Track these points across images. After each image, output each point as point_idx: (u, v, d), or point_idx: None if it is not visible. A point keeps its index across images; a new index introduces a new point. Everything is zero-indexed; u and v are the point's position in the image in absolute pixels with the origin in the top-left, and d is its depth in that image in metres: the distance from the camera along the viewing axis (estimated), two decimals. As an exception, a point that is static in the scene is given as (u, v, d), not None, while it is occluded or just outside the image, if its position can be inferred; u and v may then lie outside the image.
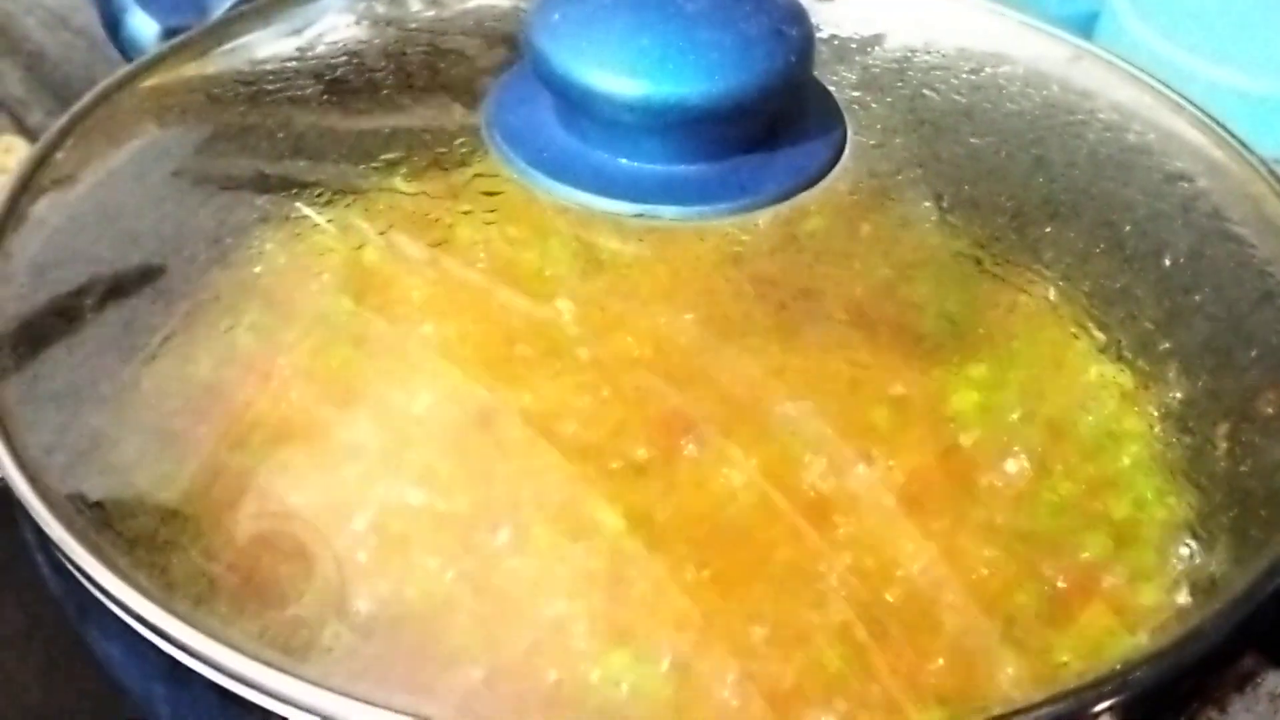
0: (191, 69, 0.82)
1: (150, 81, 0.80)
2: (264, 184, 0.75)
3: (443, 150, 0.74)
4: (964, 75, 0.83)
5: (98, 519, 0.61)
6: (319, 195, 0.73)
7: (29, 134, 1.00)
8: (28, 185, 0.72)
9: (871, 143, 0.76)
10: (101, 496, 0.63)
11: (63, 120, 0.74)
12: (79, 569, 0.54)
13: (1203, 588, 0.65)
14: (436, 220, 0.71)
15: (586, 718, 0.57)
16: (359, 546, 0.62)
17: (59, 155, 0.74)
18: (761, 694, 0.60)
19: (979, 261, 0.76)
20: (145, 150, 0.78)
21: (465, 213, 0.71)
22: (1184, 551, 0.67)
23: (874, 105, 0.78)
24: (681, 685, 0.59)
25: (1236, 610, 0.52)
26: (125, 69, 0.79)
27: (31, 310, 0.67)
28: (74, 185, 0.74)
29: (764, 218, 0.70)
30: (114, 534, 0.60)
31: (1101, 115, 0.82)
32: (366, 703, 0.51)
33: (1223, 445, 0.70)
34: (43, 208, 0.73)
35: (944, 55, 0.83)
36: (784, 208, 0.70)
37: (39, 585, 0.64)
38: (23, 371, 0.65)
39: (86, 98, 0.75)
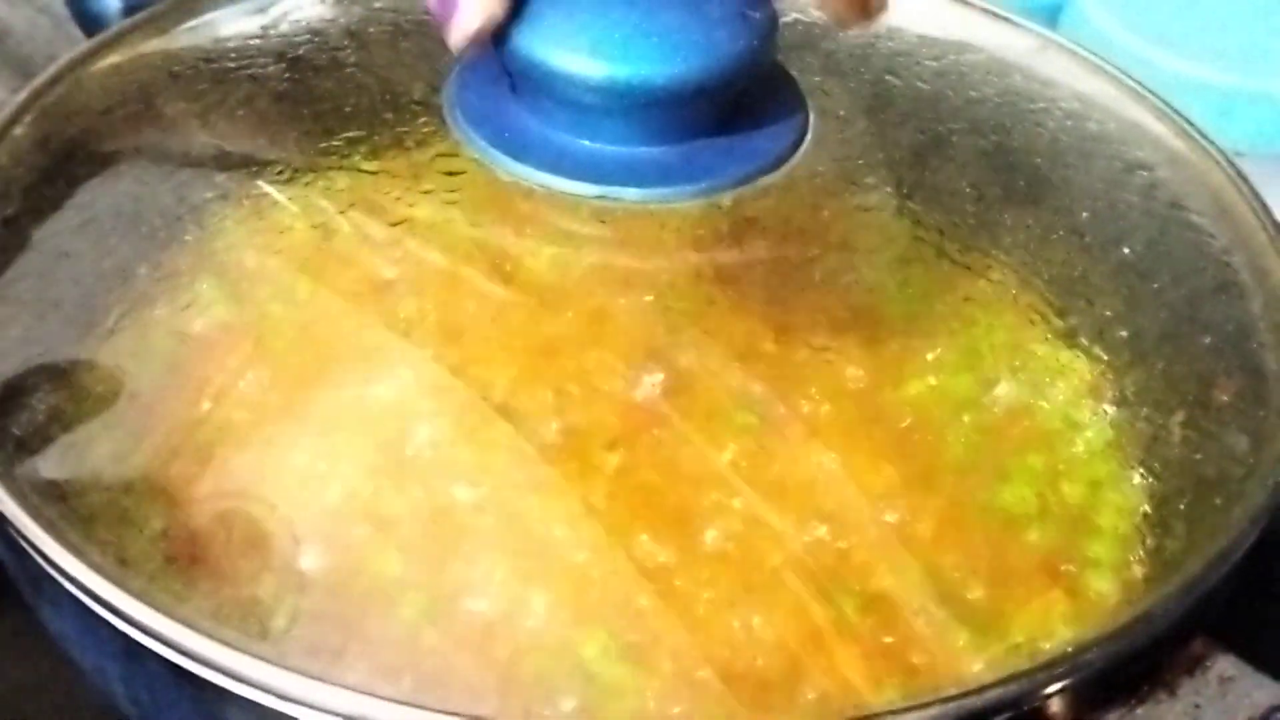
0: (153, 45, 0.81)
1: (111, 58, 0.79)
2: (224, 161, 0.75)
3: (404, 130, 0.74)
4: (927, 62, 0.83)
5: (51, 494, 0.61)
6: (279, 173, 0.73)
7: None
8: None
9: (834, 128, 0.76)
10: (56, 474, 0.63)
11: (22, 96, 0.73)
12: (31, 544, 0.54)
13: (1155, 572, 0.66)
14: (398, 199, 0.71)
15: (543, 694, 0.57)
16: (315, 524, 0.62)
17: (17, 131, 0.73)
18: (717, 674, 0.60)
19: (939, 248, 0.76)
20: (105, 127, 0.77)
21: (426, 192, 0.71)
22: (1137, 536, 0.68)
23: (837, 91, 0.79)
24: (640, 664, 0.60)
25: (1187, 595, 0.52)
26: (86, 45, 0.79)
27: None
28: (32, 161, 0.73)
29: (725, 201, 0.70)
30: (68, 510, 0.60)
31: (1063, 104, 0.82)
32: (320, 680, 0.51)
33: (1178, 432, 0.70)
34: (-1, 185, 0.72)
35: (907, 42, 0.83)
36: (746, 191, 0.70)
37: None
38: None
39: (46, 73, 0.74)
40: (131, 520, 0.61)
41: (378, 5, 0.84)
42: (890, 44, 0.83)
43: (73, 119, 0.76)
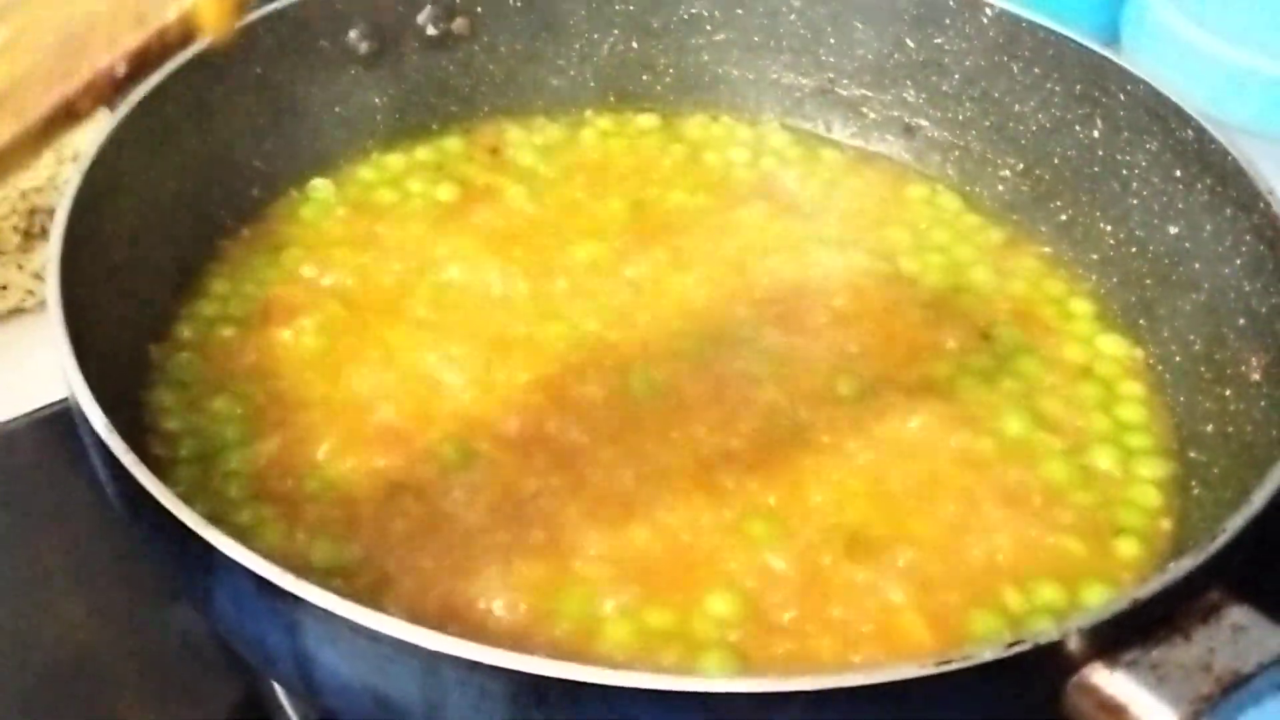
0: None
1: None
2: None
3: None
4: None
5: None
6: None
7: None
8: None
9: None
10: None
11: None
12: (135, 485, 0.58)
13: (1179, 532, 0.69)
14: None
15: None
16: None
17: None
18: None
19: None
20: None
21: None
22: (1166, 505, 0.71)
23: None
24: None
25: (1209, 547, 0.55)
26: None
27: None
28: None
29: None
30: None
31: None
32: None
33: (1210, 409, 0.73)
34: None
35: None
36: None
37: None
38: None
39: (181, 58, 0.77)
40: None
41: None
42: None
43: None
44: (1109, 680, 0.53)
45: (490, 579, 0.63)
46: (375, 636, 0.51)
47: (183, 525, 0.54)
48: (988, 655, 0.51)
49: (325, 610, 0.51)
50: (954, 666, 0.50)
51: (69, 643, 0.72)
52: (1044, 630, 0.52)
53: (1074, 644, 0.53)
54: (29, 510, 0.77)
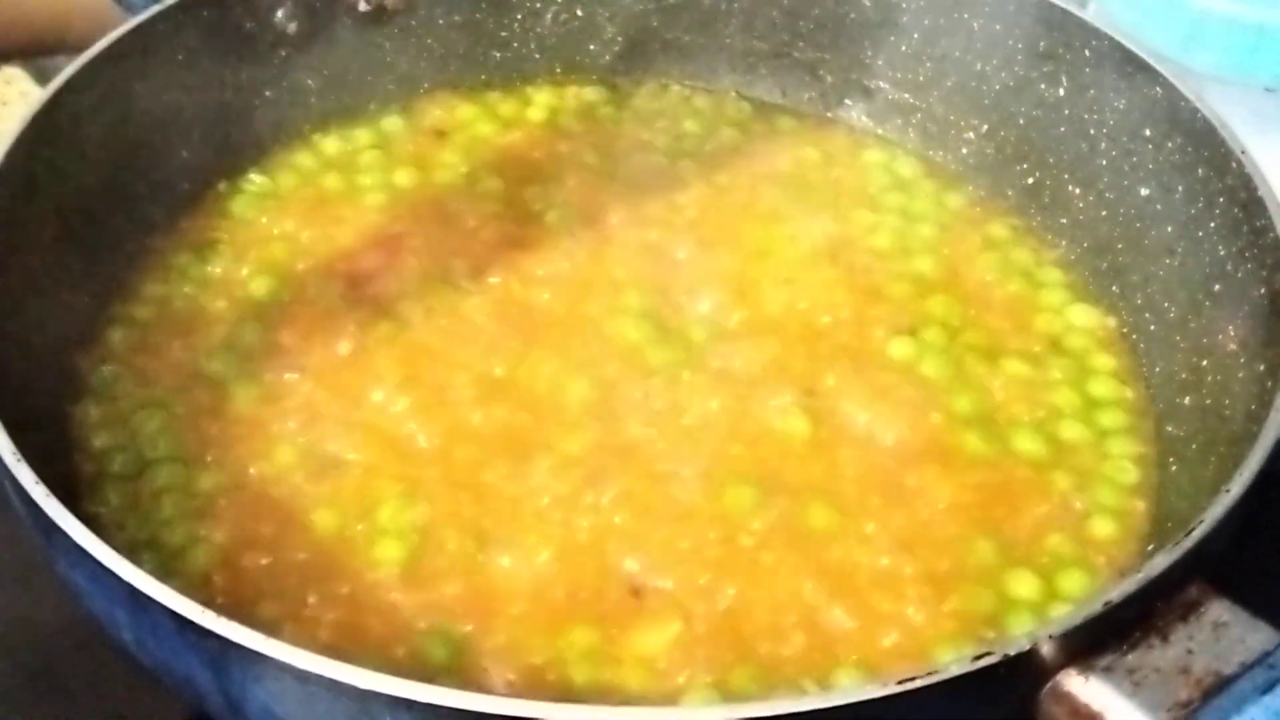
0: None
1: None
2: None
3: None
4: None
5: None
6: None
7: (35, 64, 0.99)
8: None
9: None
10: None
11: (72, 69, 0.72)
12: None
13: (1157, 517, 0.66)
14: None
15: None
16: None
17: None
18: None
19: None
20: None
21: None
22: (1143, 482, 0.68)
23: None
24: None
25: (1183, 541, 0.52)
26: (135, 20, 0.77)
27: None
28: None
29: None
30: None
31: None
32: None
33: (1186, 380, 0.70)
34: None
35: None
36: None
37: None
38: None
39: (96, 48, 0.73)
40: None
41: None
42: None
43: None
44: (1083, 688, 0.50)
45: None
46: (303, 676, 0.48)
47: (97, 561, 0.51)
48: (953, 670, 0.48)
49: (249, 649, 0.48)
50: (918, 684, 0.48)
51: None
52: (1013, 640, 0.49)
53: (1045, 651, 0.50)
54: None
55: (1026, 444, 0.69)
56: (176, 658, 0.52)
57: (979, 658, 0.49)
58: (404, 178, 0.81)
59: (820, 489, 0.66)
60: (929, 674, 0.48)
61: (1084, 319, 0.76)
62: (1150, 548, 0.64)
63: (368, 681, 0.47)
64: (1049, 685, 0.50)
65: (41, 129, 0.69)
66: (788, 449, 0.68)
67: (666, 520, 0.64)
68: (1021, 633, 0.52)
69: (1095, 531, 0.66)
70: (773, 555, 0.63)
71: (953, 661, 0.48)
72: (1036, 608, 0.62)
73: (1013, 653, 0.49)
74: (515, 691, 0.57)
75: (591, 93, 0.88)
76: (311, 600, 0.61)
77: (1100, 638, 0.51)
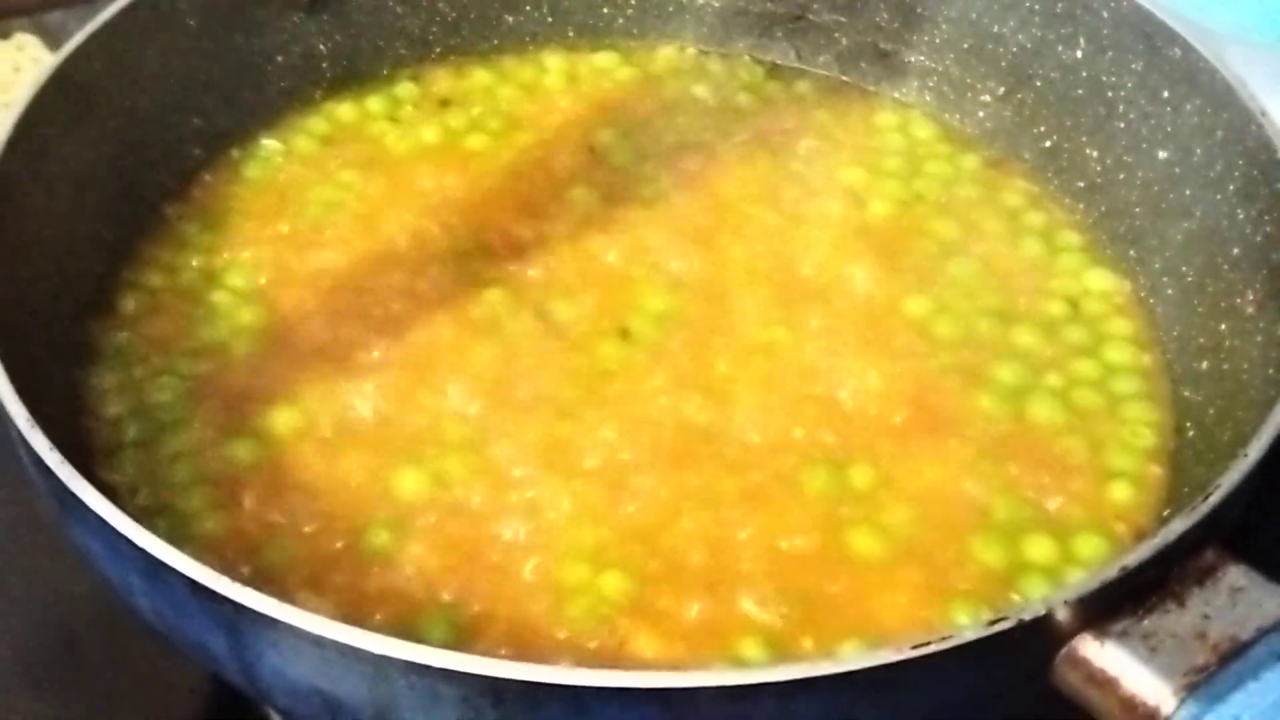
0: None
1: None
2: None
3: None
4: None
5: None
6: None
7: (46, 30, 0.99)
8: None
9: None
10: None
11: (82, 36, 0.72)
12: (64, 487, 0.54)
13: (1173, 481, 0.66)
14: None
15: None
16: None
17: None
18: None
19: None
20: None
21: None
22: (1160, 447, 0.67)
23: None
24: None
25: (1201, 506, 0.51)
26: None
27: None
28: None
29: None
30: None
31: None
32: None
33: (1204, 345, 0.70)
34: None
35: None
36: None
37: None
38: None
39: (106, 13, 0.73)
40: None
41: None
42: None
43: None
44: (1099, 652, 0.50)
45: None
46: (318, 641, 0.48)
47: (111, 527, 0.51)
48: (968, 635, 0.48)
49: (264, 614, 0.48)
50: (932, 649, 0.47)
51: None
52: (1028, 605, 0.49)
53: (1061, 616, 0.49)
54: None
55: (1042, 408, 0.68)
56: (191, 623, 0.52)
57: (993, 622, 0.48)
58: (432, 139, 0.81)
59: (834, 448, 0.66)
60: (943, 639, 0.48)
61: (1101, 283, 0.75)
62: (1167, 513, 0.63)
63: (381, 646, 0.47)
64: (1064, 650, 0.50)
65: (52, 96, 0.69)
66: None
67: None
68: (1037, 598, 0.51)
69: (1112, 496, 0.65)
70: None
71: (967, 626, 0.48)
72: (1052, 572, 0.62)
73: (1028, 618, 0.48)
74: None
75: (605, 57, 0.87)
76: (325, 566, 0.60)
77: (1116, 603, 0.50)
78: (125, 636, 0.66)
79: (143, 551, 0.50)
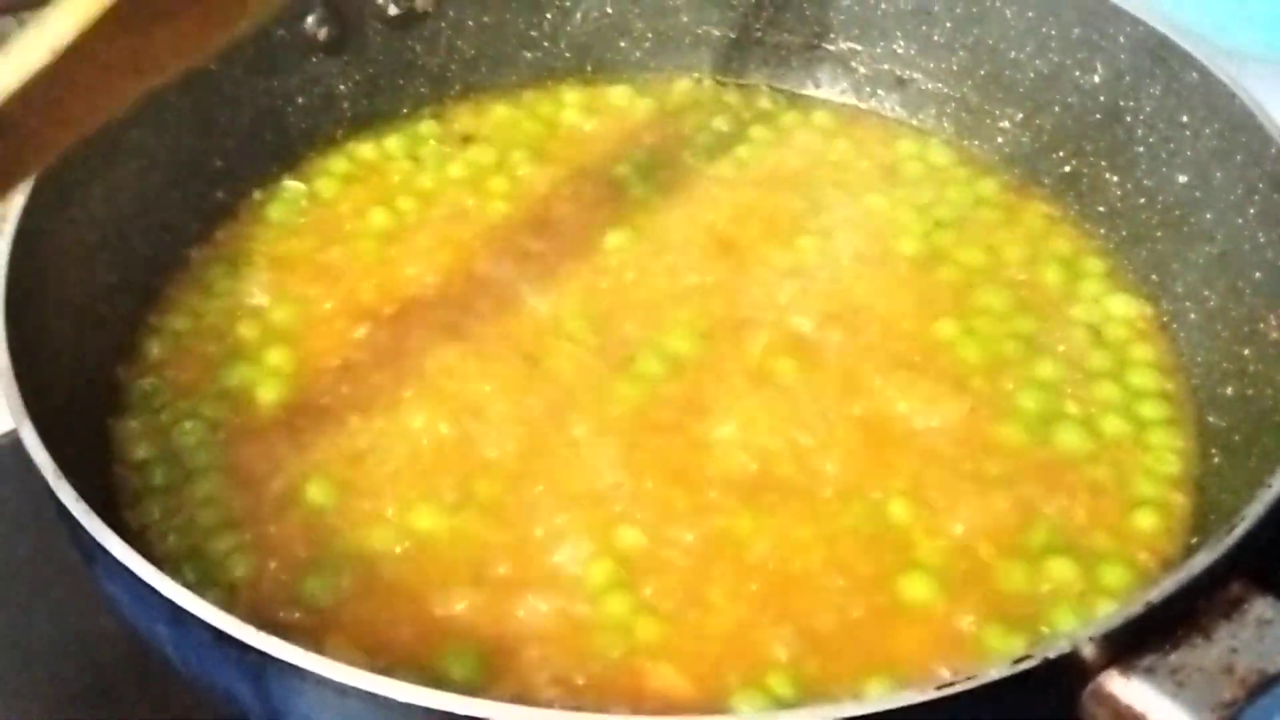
0: None
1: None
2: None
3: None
4: None
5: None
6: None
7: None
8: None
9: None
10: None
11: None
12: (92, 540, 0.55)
13: (1199, 510, 0.65)
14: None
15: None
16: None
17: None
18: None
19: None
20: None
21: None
22: (1185, 474, 0.67)
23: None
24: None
25: (1225, 537, 0.51)
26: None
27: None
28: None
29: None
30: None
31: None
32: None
33: (1228, 370, 0.69)
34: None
35: None
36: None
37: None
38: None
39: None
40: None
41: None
42: None
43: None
44: (1125, 688, 0.50)
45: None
46: (343, 689, 0.48)
47: (137, 576, 0.51)
48: (993, 674, 0.48)
49: (289, 663, 0.49)
50: (957, 689, 0.47)
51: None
52: (1053, 642, 0.49)
53: (1086, 652, 0.49)
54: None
55: (1066, 436, 0.68)
56: (218, 671, 0.52)
57: (1019, 661, 0.48)
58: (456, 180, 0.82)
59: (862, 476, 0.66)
60: (968, 679, 0.47)
61: (1123, 309, 0.75)
62: (1193, 541, 0.63)
63: (407, 694, 0.47)
64: (1090, 686, 0.50)
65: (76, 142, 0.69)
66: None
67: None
68: (1062, 634, 0.51)
69: (1137, 524, 0.65)
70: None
71: (992, 665, 0.48)
72: (1078, 601, 0.62)
73: (1053, 655, 0.48)
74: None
75: (622, 91, 0.88)
76: (351, 610, 0.61)
77: (1142, 637, 0.50)
78: (157, 677, 0.66)
79: (168, 600, 0.51)
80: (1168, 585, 0.50)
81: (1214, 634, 0.51)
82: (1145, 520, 0.65)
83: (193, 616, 0.50)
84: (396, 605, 0.61)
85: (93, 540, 0.53)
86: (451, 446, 0.67)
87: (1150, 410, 0.70)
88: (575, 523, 0.63)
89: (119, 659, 0.69)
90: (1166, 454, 0.68)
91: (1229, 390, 0.68)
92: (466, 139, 0.84)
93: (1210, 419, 0.69)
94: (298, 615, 0.61)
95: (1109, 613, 0.51)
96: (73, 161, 0.69)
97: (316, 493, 0.65)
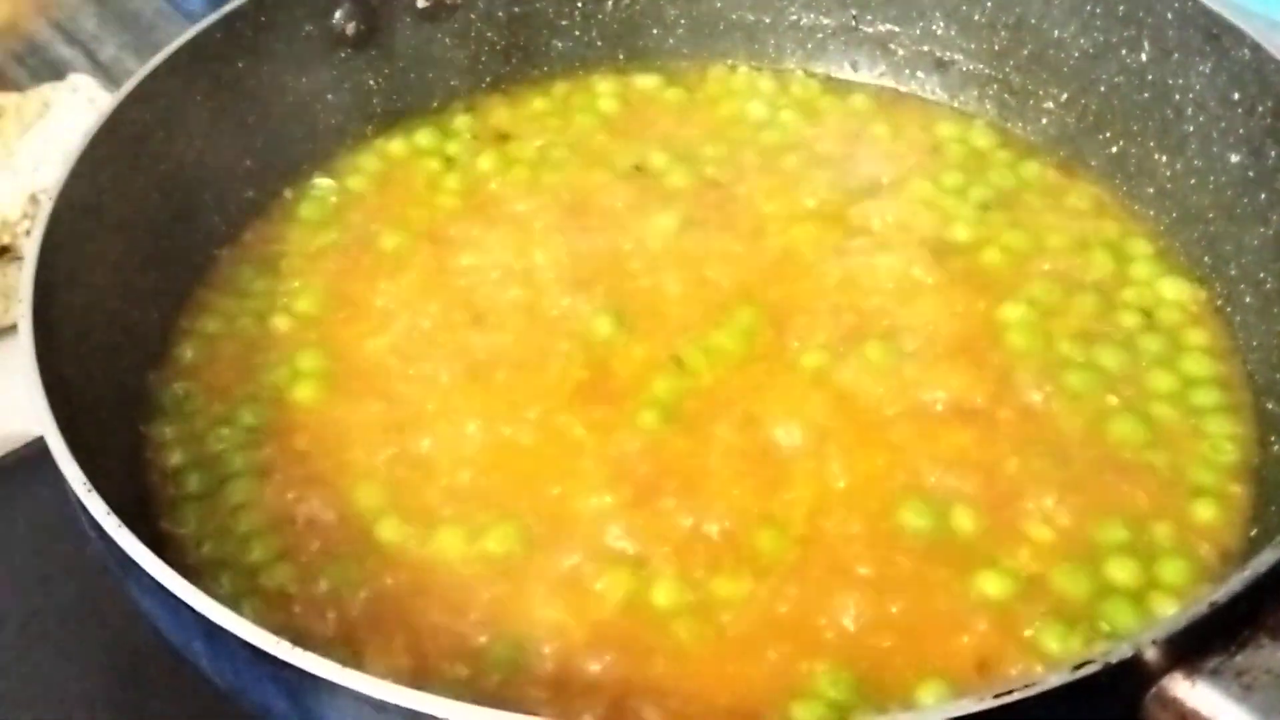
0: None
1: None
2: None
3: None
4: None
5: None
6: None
7: (102, 69, 1.00)
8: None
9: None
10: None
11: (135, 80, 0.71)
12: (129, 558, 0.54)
13: (1258, 501, 0.63)
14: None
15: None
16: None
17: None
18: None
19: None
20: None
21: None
22: (1240, 462, 0.65)
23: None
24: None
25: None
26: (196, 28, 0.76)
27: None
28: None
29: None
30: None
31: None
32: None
33: (1285, 352, 0.67)
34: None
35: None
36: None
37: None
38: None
39: (158, 58, 0.72)
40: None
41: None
42: None
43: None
44: (1190, 692, 0.48)
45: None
46: (380, 705, 0.47)
47: (171, 593, 0.50)
48: (1053, 681, 0.46)
49: (324, 679, 0.47)
50: (1015, 697, 0.46)
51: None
52: (1115, 646, 0.47)
53: (1150, 656, 0.48)
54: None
55: (1120, 425, 0.66)
56: (254, 686, 0.51)
57: (1079, 666, 0.47)
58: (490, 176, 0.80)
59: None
60: (1026, 686, 0.46)
61: (1175, 292, 0.73)
62: (1253, 533, 0.61)
63: (445, 710, 0.46)
64: (1154, 690, 0.48)
65: (106, 142, 0.68)
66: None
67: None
68: (1123, 636, 0.50)
69: (1196, 516, 0.63)
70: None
71: (1051, 672, 0.46)
72: (1137, 598, 0.60)
73: (1115, 660, 0.47)
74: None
75: (655, 80, 0.86)
76: (392, 618, 0.60)
77: (1206, 639, 0.48)
78: (191, 685, 0.65)
79: (202, 616, 0.50)
80: (1233, 584, 0.49)
81: (1282, 634, 0.49)
82: (1204, 511, 0.63)
83: (228, 633, 0.49)
84: (438, 613, 0.59)
85: (125, 556, 0.52)
86: (497, 451, 0.66)
87: (1205, 397, 0.68)
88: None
89: (154, 667, 0.68)
90: (1224, 442, 0.66)
91: (1285, 375, 0.66)
92: (503, 136, 0.83)
93: (1269, 406, 0.67)
94: (337, 624, 0.60)
95: (1172, 613, 0.49)
96: (100, 164, 0.68)
97: (359, 497, 0.64)
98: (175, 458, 0.67)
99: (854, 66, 0.87)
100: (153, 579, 0.51)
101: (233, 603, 0.59)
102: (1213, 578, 0.59)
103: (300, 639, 0.54)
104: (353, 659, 0.57)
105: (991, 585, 0.60)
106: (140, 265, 0.71)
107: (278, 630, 0.54)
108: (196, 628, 0.51)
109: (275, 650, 0.48)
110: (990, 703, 0.45)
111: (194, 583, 0.51)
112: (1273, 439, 0.65)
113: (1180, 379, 0.69)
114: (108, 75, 0.99)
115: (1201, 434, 0.67)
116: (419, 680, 0.56)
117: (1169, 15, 0.74)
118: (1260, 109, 0.69)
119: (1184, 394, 0.68)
